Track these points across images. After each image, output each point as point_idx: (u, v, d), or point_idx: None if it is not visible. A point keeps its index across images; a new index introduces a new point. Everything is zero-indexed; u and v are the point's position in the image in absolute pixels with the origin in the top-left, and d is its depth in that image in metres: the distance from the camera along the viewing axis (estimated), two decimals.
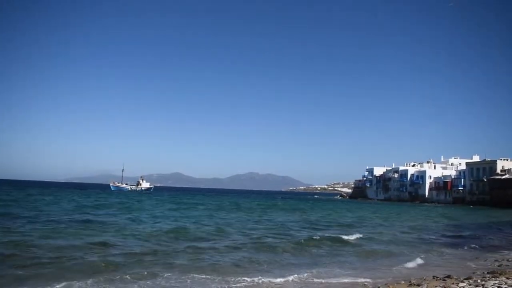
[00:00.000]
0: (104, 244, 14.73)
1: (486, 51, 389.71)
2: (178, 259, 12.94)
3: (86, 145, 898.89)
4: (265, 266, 12.63)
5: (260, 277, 10.89)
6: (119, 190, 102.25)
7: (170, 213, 32.14)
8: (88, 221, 22.87)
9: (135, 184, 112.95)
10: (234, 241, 17.18)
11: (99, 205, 38.16)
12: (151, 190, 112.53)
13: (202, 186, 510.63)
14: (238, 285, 10.14)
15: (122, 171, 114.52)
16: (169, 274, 10.81)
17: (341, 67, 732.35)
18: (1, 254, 12.24)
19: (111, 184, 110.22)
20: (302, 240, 17.72)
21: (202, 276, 10.79)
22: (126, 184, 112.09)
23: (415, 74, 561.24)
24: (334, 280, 11.03)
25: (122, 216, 27.11)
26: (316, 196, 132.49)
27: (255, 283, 10.36)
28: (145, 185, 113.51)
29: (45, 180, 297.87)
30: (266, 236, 19.12)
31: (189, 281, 10.34)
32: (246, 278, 10.66)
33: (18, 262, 11.41)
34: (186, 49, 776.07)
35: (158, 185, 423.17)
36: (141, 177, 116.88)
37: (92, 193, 73.25)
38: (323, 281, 10.91)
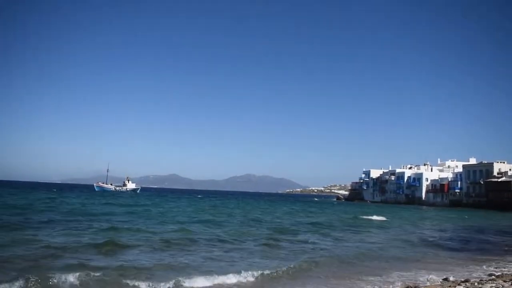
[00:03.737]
0: None
1: (484, 53, 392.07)
2: None
3: (81, 146, 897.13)
4: None
5: None
6: (103, 190, 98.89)
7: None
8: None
9: (121, 185, 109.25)
10: None
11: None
12: (138, 191, 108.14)
13: (198, 188, 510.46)
14: None
15: (107, 171, 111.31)
16: None
17: (337, 68, 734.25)
18: None
19: (95, 185, 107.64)
20: None
21: None
22: (111, 185, 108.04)
23: (412, 76, 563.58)
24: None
25: None
26: (334, 201, 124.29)
27: None
28: (130, 185, 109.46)
29: (39, 181, 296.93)
30: None
31: None
32: None
33: None
34: (183, 49, 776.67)
35: (154, 186, 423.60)
36: (127, 177, 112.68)
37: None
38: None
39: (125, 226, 20.73)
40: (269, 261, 13.33)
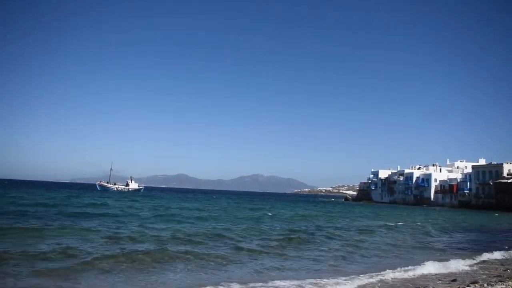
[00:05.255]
0: None
1: (492, 51, 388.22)
2: None
3: (92, 145, 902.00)
4: None
5: None
6: (105, 190, 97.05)
7: None
8: None
9: (124, 185, 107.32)
10: None
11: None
12: (141, 191, 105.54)
13: (206, 188, 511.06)
14: None
15: (111, 170, 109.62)
16: None
17: (345, 68, 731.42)
18: None
19: (97, 184, 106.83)
20: None
21: None
22: (115, 184, 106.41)
23: (420, 75, 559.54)
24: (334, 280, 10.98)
25: None
26: (343, 201, 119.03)
27: None
28: (133, 185, 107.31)
29: (50, 181, 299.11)
30: None
31: None
32: None
33: None
34: (190, 49, 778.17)
35: (163, 186, 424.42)
36: (130, 177, 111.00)
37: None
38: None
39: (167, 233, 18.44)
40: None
